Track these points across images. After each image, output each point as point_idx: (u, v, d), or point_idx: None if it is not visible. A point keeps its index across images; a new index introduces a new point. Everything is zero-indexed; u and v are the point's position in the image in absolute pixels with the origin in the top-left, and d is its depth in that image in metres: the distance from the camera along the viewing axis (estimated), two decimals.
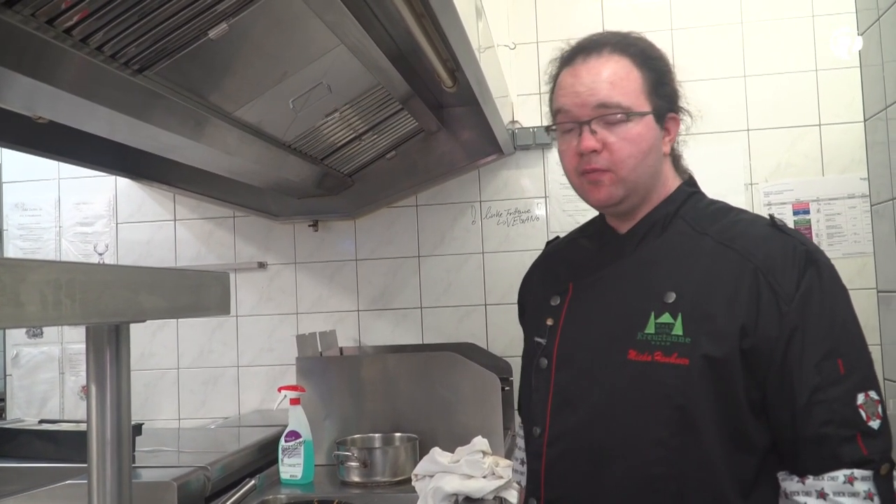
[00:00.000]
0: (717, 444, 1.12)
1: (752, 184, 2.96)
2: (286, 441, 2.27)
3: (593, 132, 1.21)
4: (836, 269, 1.21)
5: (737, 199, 2.94)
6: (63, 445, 1.95)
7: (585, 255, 1.35)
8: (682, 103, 1.29)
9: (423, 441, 2.31)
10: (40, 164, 3.18)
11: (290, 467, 2.25)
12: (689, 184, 1.32)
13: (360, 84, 2.10)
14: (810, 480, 1.09)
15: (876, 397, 1.10)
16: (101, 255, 3.20)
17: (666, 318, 1.14)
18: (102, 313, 1.08)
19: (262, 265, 3.16)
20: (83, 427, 2.12)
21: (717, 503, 1.13)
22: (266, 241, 3.17)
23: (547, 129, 1.30)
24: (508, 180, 3.05)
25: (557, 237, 1.53)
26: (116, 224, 3.24)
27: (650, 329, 1.15)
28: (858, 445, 1.07)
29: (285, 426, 2.31)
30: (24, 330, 3.23)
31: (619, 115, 1.20)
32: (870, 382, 1.11)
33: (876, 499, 1.06)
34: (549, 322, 1.28)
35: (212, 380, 3.15)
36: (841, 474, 1.07)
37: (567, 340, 1.24)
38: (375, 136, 2.62)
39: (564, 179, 3.07)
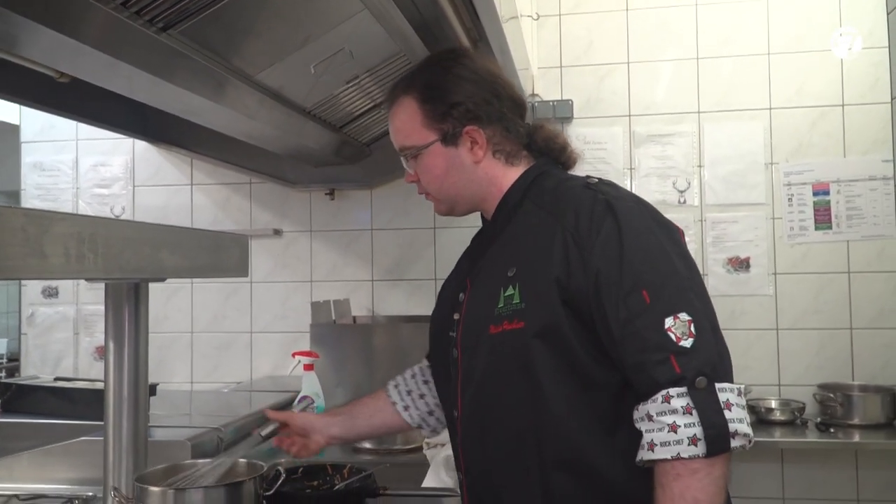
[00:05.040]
0: (560, 391, 1.23)
1: (772, 163, 2.93)
2: (298, 405, 2.29)
3: (410, 167, 1.44)
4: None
5: (756, 179, 2.92)
6: (78, 403, 1.97)
7: (475, 249, 1.50)
8: (487, 106, 1.38)
9: None
10: (59, 124, 3.19)
11: None
12: (538, 166, 1.43)
13: (381, 51, 2.08)
14: (641, 406, 1.17)
15: (687, 318, 1.16)
16: (117, 217, 3.22)
17: (510, 290, 1.27)
18: (124, 269, 1.08)
19: (277, 232, 3.16)
20: (98, 385, 2.15)
21: (570, 444, 1.23)
22: (282, 208, 3.17)
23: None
24: None
25: None
26: (133, 187, 3.25)
27: (501, 303, 1.27)
28: (671, 365, 1.14)
29: (298, 392, 2.32)
30: (39, 289, 3.26)
31: (411, 153, 1.41)
32: (679, 306, 1.18)
33: (695, 412, 1.12)
34: (456, 316, 1.40)
35: (225, 345, 3.16)
36: (659, 395, 1.14)
37: (464, 331, 1.37)
38: None
39: (583, 154, 3.07)
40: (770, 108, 2.93)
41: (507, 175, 1.40)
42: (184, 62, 1.52)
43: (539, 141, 1.44)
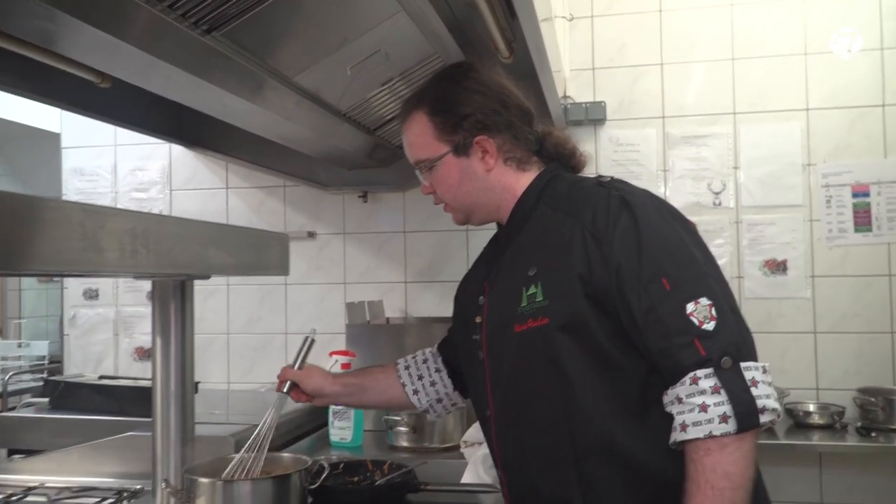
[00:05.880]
0: (588, 381, 1.27)
1: (809, 165, 2.90)
2: (337, 407, 2.31)
3: (425, 179, 1.50)
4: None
5: (793, 181, 2.89)
6: (122, 400, 2.01)
7: (492, 253, 1.54)
8: (495, 116, 1.42)
9: (470, 409, 2.32)
10: (98, 130, 3.24)
11: (340, 430, 2.29)
12: (549, 170, 1.47)
13: (416, 53, 2.09)
14: (670, 390, 1.20)
15: (707, 302, 1.20)
16: None
17: (532, 289, 1.31)
18: (174, 265, 1.11)
19: (311, 234, 3.19)
20: (141, 383, 2.19)
21: (603, 431, 1.26)
22: (316, 210, 3.20)
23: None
24: None
25: None
26: (170, 191, 3.30)
27: (524, 303, 1.32)
28: (696, 348, 1.18)
29: None
30: (81, 292, 3.32)
31: (425, 166, 1.47)
32: (699, 291, 1.21)
33: (722, 391, 1.15)
34: (478, 320, 1.44)
35: (261, 346, 3.20)
36: (687, 378, 1.17)
37: (488, 332, 1.41)
38: None
39: (616, 156, 3.08)
40: (807, 109, 2.90)
41: (520, 181, 1.45)
42: (224, 63, 1.55)
43: (549, 147, 1.48)
